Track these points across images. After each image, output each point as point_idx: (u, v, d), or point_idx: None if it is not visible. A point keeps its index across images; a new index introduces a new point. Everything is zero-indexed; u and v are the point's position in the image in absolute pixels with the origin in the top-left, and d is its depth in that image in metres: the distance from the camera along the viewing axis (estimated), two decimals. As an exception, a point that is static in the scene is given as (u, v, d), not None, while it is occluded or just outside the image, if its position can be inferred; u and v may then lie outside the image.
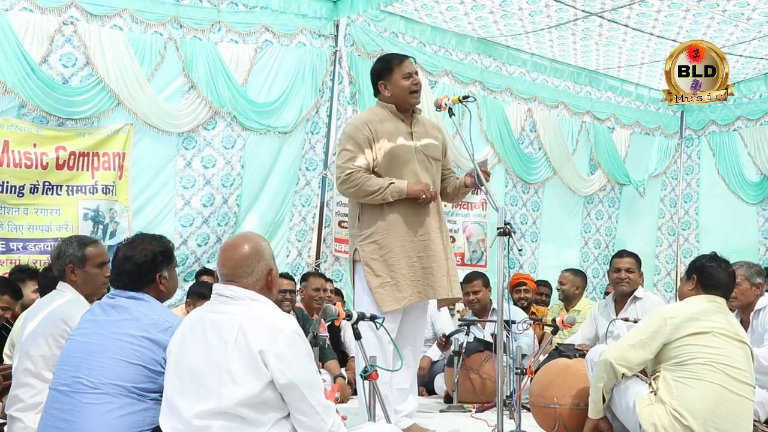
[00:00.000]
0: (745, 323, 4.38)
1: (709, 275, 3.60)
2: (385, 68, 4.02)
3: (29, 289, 4.77)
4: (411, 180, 3.90)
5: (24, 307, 4.70)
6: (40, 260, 5.40)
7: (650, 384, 3.48)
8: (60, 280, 3.43)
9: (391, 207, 3.88)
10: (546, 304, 7.06)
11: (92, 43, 5.67)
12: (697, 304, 3.54)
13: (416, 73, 4.03)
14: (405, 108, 4.03)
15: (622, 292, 5.06)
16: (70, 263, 3.38)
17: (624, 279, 5.01)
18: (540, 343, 5.79)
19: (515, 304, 6.79)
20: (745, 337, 3.49)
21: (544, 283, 7.29)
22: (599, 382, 3.52)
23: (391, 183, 3.84)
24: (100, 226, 5.80)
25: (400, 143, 3.94)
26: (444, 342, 5.52)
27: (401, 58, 4.04)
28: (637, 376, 3.55)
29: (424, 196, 3.87)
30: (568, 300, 6.46)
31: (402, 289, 3.85)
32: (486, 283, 5.82)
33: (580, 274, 6.71)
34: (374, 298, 3.83)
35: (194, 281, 6.21)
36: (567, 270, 6.70)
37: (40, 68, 5.47)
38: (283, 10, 6.63)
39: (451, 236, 7.79)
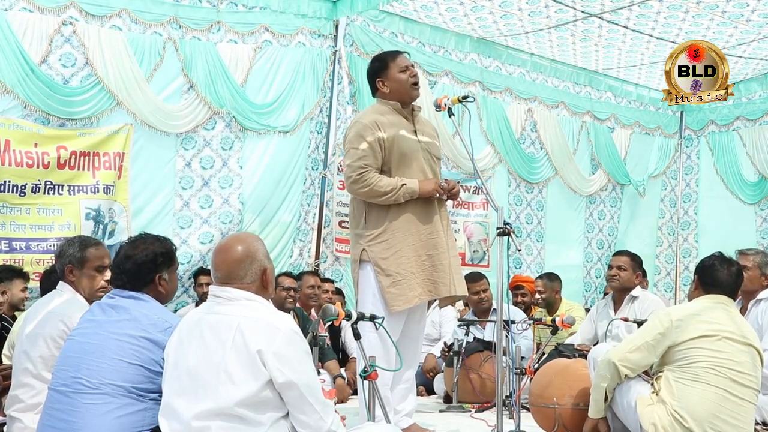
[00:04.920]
0: (743, 309, 4.37)
1: (708, 275, 3.59)
2: (381, 65, 4.01)
3: (17, 287, 4.82)
4: (419, 178, 3.90)
5: (12, 306, 4.78)
6: (43, 260, 5.39)
7: (652, 384, 3.48)
8: (60, 279, 3.43)
9: (400, 206, 3.86)
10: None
11: (91, 44, 5.66)
12: (701, 305, 3.51)
13: (412, 66, 4.03)
14: (407, 102, 4.01)
15: (612, 288, 5.17)
16: (69, 263, 3.36)
17: (614, 276, 5.06)
18: (538, 345, 5.79)
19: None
20: (753, 340, 3.46)
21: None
22: (602, 381, 3.51)
23: (403, 184, 3.82)
24: (101, 226, 5.77)
25: (407, 140, 3.94)
26: (447, 351, 5.50)
27: (395, 54, 4.05)
28: (639, 376, 3.54)
29: (438, 194, 3.89)
30: (551, 306, 6.44)
31: (413, 287, 3.84)
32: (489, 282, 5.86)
33: (555, 278, 6.67)
34: (386, 298, 3.80)
35: (193, 281, 6.22)
36: (541, 277, 6.65)
37: (40, 68, 5.46)
38: (283, 10, 6.61)
39: (452, 236, 7.83)
